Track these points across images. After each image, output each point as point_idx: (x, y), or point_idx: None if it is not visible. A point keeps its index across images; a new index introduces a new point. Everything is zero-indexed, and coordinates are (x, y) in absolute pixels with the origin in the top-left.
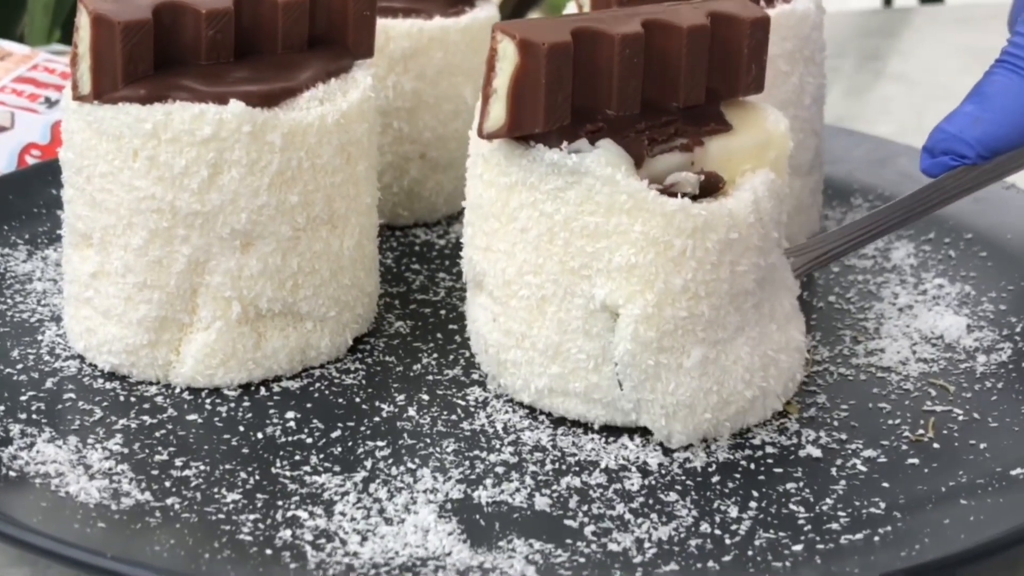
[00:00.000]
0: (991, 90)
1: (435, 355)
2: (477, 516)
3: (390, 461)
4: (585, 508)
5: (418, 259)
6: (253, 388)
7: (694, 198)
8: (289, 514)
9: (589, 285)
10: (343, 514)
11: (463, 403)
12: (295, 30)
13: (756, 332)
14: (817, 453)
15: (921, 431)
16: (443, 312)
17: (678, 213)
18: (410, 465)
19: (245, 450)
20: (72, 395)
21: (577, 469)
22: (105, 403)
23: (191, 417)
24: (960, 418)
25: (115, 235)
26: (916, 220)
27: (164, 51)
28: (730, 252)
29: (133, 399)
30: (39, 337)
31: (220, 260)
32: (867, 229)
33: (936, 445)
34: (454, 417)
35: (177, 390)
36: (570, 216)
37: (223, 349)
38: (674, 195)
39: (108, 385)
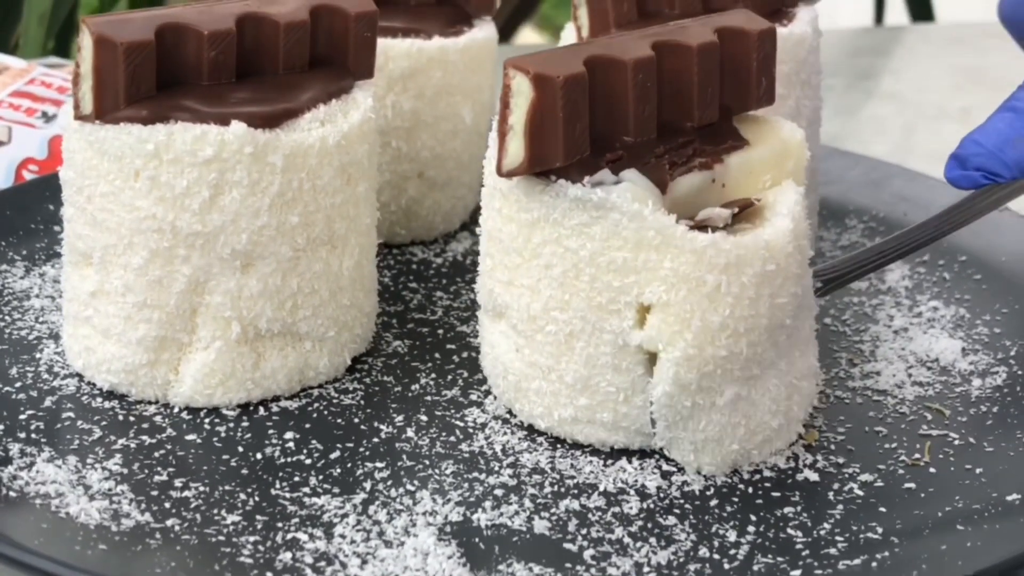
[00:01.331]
0: None
1: (433, 375)
2: (476, 539)
3: (389, 483)
4: (584, 531)
5: (415, 278)
6: (252, 408)
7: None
8: (289, 536)
9: (619, 320)
10: (343, 536)
11: (461, 424)
12: (296, 51)
13: (784, 363)
14: (814, 477)
15: (917, 455)
16: (441, 332)
17: (709, 248)
18: (409, 487)
19: (244, 471)
20: (71, 414)
21: (576, 492)
22: (104, 422)
23: (190, 437)
24: (956, 442)
25: (115, 255)
26: (942, 239)
27: (166, 71)
28: (768, 285)
29: (132, 418)
30: (37, 355)
31: (220, 280)
32: (894, 248)
33: (932, 470)
34: (452, 438)
35: (176, 410)
36: (596, 252)
37: (222, 369)
38: (704, 229)
39: (107, 404)
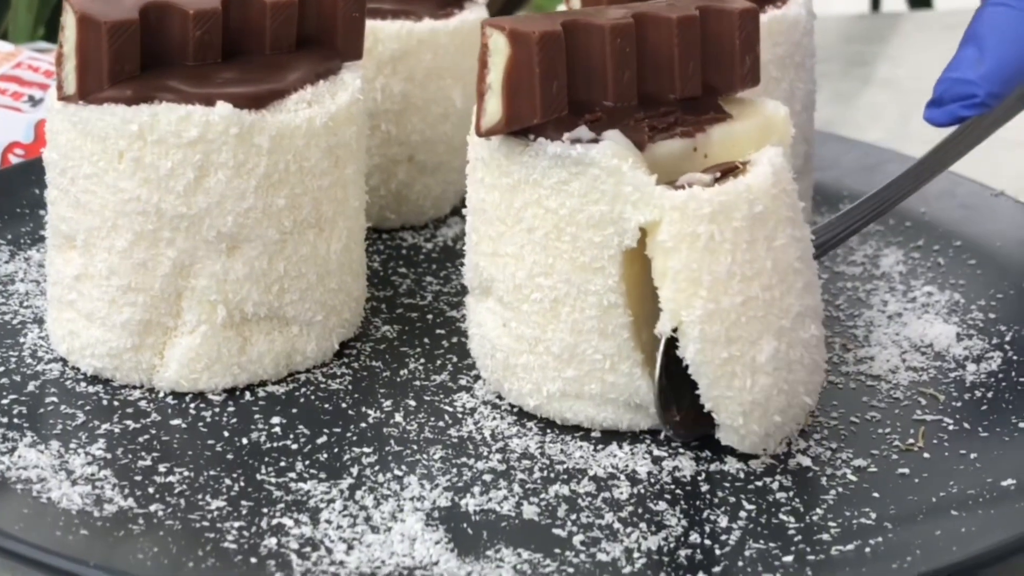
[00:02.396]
0: (985, 29)
1: (422, 360)
2: (464, 525)
3: (376, 468)
4: (574, 517)
5: (405, 263)
6: (238, 393)
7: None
8: (274, 522)
9: (603, 278)
10: (329, 522)
11: (450, 409)
12: (283, 31)
13: (815, 332)
14: (807, 462)
15: (911, 440)
16: (430, 316)
17: (690, 202)
18: (397, 472)
19: (230, 456)
20: (54, 399)
21: (566, 477)
22: (88, 407)
23: (175, 422)
24: (950, 427)
25: (99, 237)
26: (927, 183)
27: (151, 51)
28: (761, 228)
29: (116, 403)
30: (21, 339)
31: (205, 263)
32: (883, 200)
33: (927, 455)
34: (441, 423)
35: (161, 394)
36: (575, 208)
37: (208, 353)
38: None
39: (91, 389)
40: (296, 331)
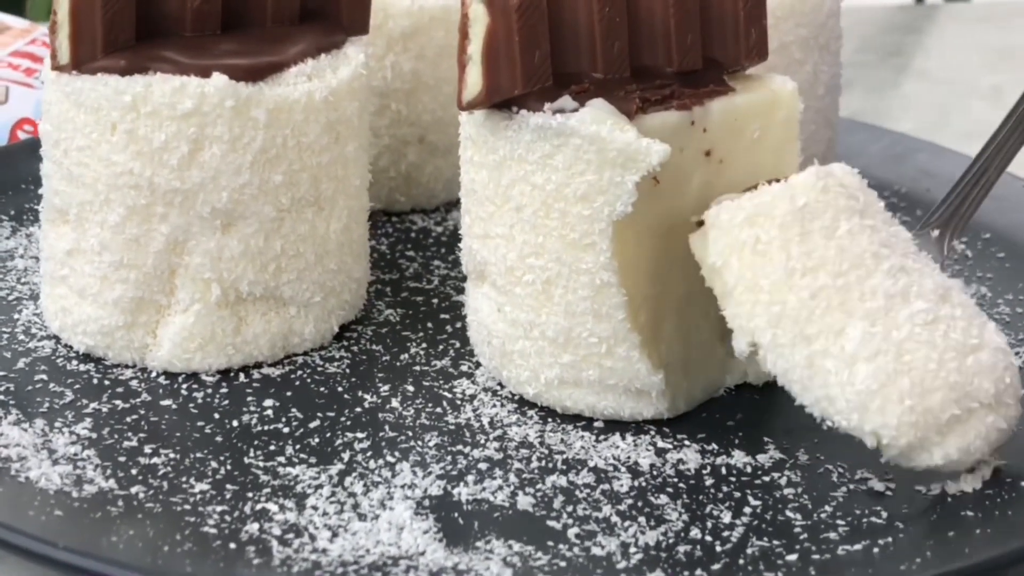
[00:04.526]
0: None
1: (424, 345)
2: (455, 514)
3: (369, 454)
4: (570, 509)
5: (413, 246)
6: (232, 374)
7: None
8: (258, 507)
9: (595, 255)
10: (315, 508)
11: (449, 395)
12: (285, 3)
13: (923, 306)
14: (821, 457)
15: None
16: (435, 301)
17: (722, 214)
18: (389, 459)
19: (218, 438)
20: (44, 376)
21: (564, 468)
22: (77, 386)
23: (165, 402)
24: None
25: (92, 211)
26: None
27: (147, 21)
28: (814, 219)
29: (107, 382)
30: (15, 316)
31: (200, 240)
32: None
33: None
34: (439, 410)
35: (153, 374)
36: (561, 183)
37: (201, 333)
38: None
39: (82, 367)
40: (293, 312)
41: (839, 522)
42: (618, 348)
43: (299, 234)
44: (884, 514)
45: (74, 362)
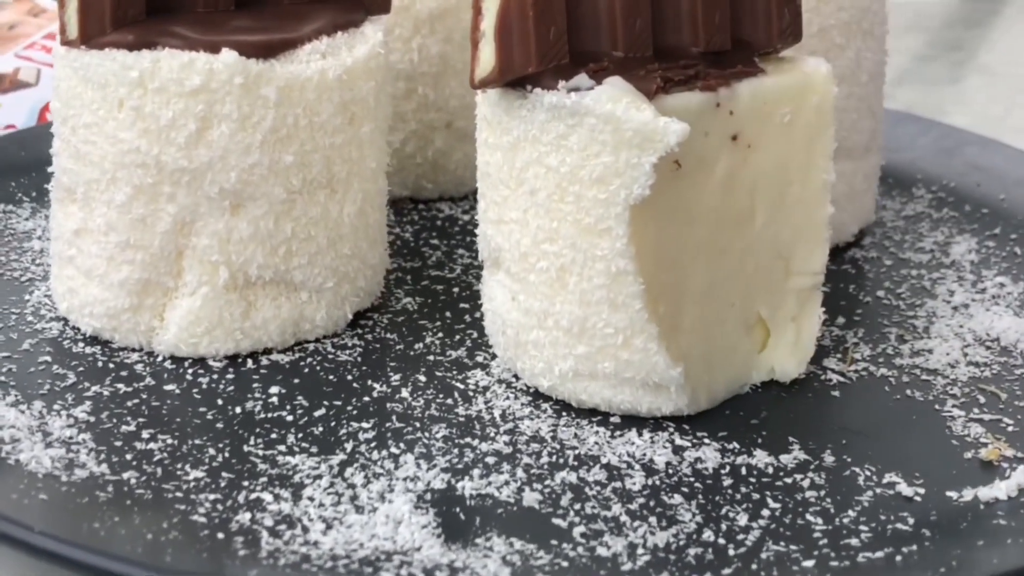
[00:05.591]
0: None
1: (440, 334)
2: (457, 509)
3: (373, 444)
4: (578, 507)
5: (438, 234)
6: (240, 360)
7: None
8: (253, 496)
9: (611, 241)
10: (311, 499)
11: (462, 387)
12: None
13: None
14: (848, 459)
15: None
16: (456, 290)
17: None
18: (394, 450)
19: (219, 425)
20: (48, 358)
21: (575, 464)
22: (81, 368)
23: (168, 387)
24: (1009, 429)
25: (98, 190)
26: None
27: None
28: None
29: (112, 365)
30: (27, 297)
31: (207, 221)
32: None
33: (980, 454)
34: (450, 401)
35: (159, 358)
36: (576, 165)
37: (208, 317)
38: None
39: (88, 350)
40: (305, 298)
41: (862, 528)
42: (635, 339)
43: (311, 217)
44: (911, 520)
45: (80, 344)
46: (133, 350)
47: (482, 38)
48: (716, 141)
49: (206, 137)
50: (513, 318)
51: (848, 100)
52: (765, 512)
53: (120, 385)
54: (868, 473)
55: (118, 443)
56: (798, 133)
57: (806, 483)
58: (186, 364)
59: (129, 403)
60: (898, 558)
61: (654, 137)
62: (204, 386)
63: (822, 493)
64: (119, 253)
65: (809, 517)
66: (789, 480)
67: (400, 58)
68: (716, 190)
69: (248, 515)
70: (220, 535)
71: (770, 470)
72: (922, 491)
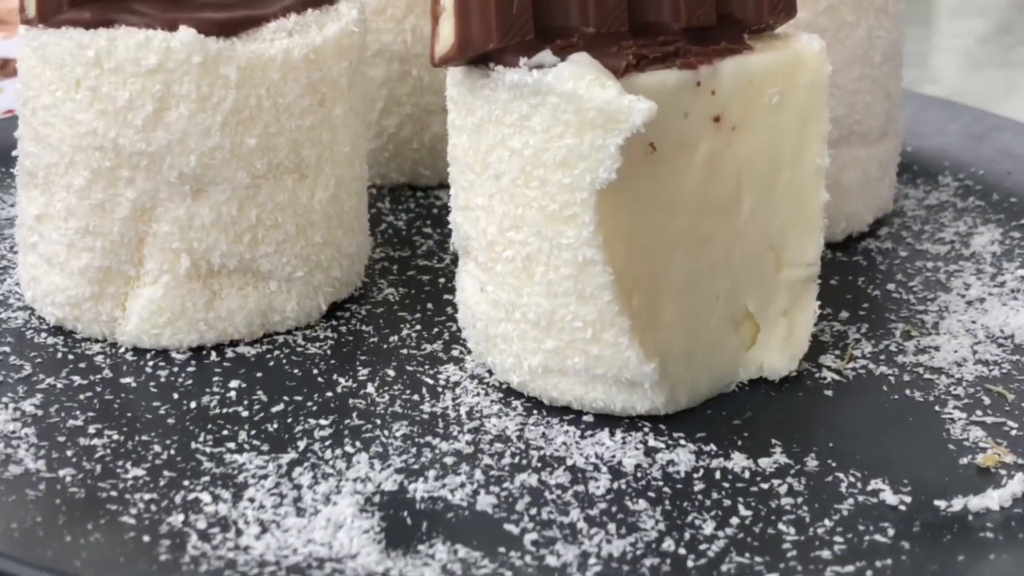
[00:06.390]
0: None
1: (418, 327)
2: (405, 512)
3: (327, 443)
4: (534, 512)
5: (432, 222)
6: (205, 352)
7: None
8: (191, 496)
9: (577, 228)
10: (252, 500)
11: (432, 382)
12: None
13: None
14: (833, 464)
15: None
16: (442, 280)
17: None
18: (348, 449)
19: (171, 420)
20: (7, 349)
21: (539, 465)
22: (40, 359)
23: (125, 380)
24: (1013, 433)
25: (58, 174)
26: None
27: None
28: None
29: (72, 357)
30: None
31: (168, 207)
32: None
33: (976, 460)
34: (416, 397)
35: (122, 350)
36: (540, 148)
37: (171, 307)
38: None
39: (51, 340)
40: (274, 288)
41: (836, 539)
42: (605, 333)
43: (277, 203)
44: (891, 532)
45: (43, 335)
46: (96, 341)
47: (442, 12)
48: (697, 123)
49: (164, 119)
50: (482, 310)
51: (860, 81)
52: (734, 520)
53: (76, 377)
54: (852, 479)
55: (61, 438)
56: (788, 114)
57: (783, 489)
58: (148, 356)
59: (81, 396)
60: (869, 572)
61: (618, 117)
62: (162, 379)
63: (799, 500)
64: (79, 240)
65: (781, 526)
66: (765, 486)
67: (393, 39)
68: (697, 175)
69: (181, 516)
70: (146, 538)
71: (746, 474)
72: (908, 499)
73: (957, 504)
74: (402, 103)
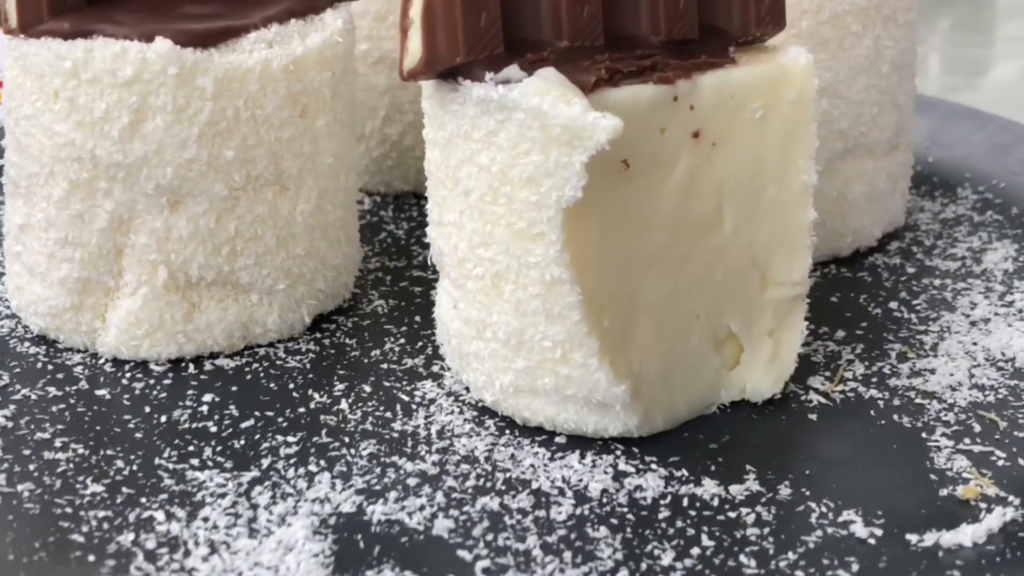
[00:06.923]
0: None
1: (402, 340)
2: (359, 536)
3: (292, 461)
4: (490, 538)
5: None
6: (183, 364)
7: None
8: (145, 514)
9: (544, 247)
10: (206, 520)
11: (407, 399)
12: None
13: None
14: (807, 493)
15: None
16: (432, 293)
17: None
18: (312, 468)
19: (138, 435)
20: None
21: (503, 488)
22: (18, 369)
23: (100, 392)
24: (999, 464)
25: (38, 185)
26: None
27: None
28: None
29: (51, 367)
30: None
31: (145, 219)
32: None
33: (956, 492)
34: (388, 415)
35: (102, 360)
36: (506, 164)
37: (149, 318)
38: None
39: (33, 350)
40: (255, 300)
41: (797, 573)
42: (574, 354)
43: (257, 215)
44: (855, 567)
45: (26, 344)
46: (77, 351)
47: (411, 25)
48: (674, 138)
49: (141, 130)
50: (455, 327)
51: (867, 93)
52: (695, 551)
53: (51, 389)
54: (824, 509)
55: (26, 452)
56: (773, 130)
57: (751, 519)
58: (126, 368)
59: (54, 408)
60: None
61: (583, 134)
62: (137, 392)
63: (765, 531)
64: (59, 250)
65: (743, 558)
66: (733, 514)
67: (395, 46)
68: (675, 191)
69: (132, 535)
70: (91, 557)
71: (715, 502)
72: (879, 532)
73: (929, 539)
74: (404, 111)
